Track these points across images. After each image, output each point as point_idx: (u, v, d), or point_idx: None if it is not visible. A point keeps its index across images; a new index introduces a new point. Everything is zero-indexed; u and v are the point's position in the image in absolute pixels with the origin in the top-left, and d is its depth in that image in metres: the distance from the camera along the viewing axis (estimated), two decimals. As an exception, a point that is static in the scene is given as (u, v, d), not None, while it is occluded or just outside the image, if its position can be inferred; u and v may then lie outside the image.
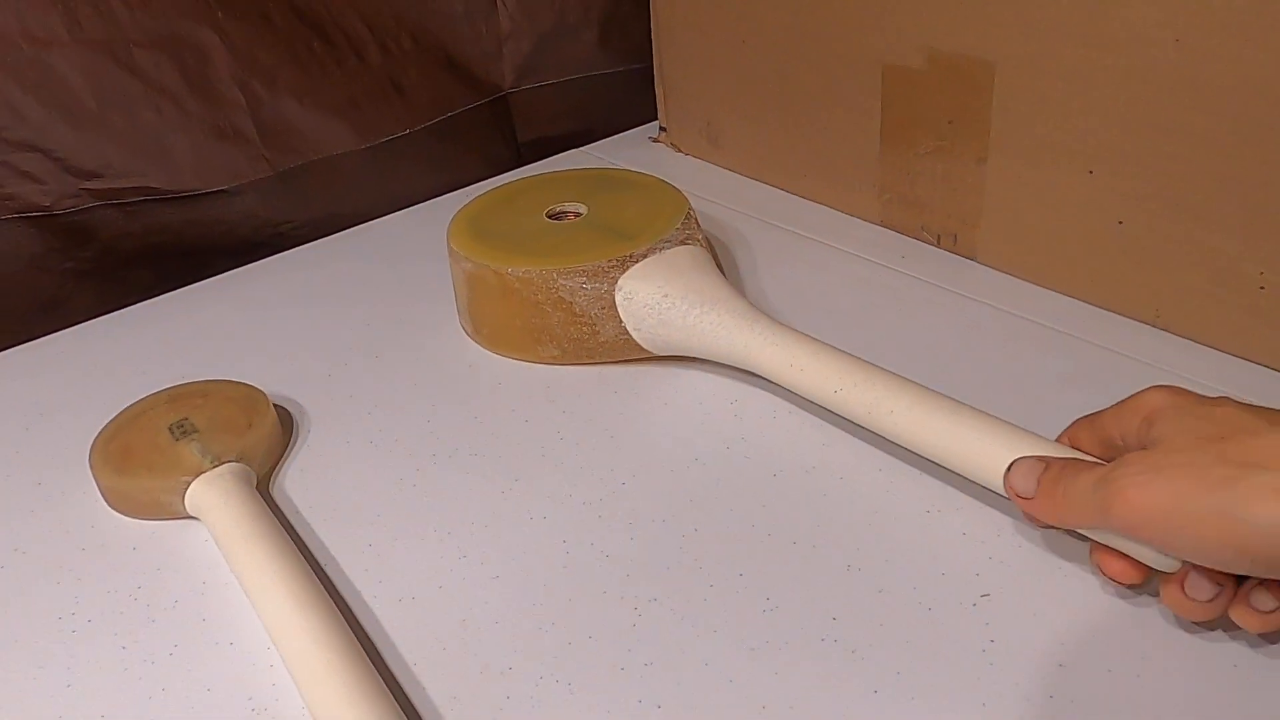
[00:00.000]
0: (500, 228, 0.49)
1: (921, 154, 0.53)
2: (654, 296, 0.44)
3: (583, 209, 0.51)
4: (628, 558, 0.37)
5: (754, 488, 0.40)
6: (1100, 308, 0.48)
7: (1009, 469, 0.33)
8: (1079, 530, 0.33)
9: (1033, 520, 0.34)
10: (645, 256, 0.45)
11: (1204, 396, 0.31)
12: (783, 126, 0.62)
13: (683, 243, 0.47)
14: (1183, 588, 0.30)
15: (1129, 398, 0.33)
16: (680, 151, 0.72)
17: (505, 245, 0.47)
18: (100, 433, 0.43)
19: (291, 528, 0.40)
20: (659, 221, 0.48)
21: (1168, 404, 0.31)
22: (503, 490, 0.41)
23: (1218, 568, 0.29)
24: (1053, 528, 0.34)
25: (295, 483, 0.42)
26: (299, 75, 0.60)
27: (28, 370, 0.52)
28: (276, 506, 0.41)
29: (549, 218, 0.51)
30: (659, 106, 0.72)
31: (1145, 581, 0.32)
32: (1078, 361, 0.45)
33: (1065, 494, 0.31)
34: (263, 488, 0.42)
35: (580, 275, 0.44)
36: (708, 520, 0.38)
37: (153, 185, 0.58)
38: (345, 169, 0.65)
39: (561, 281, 0.44)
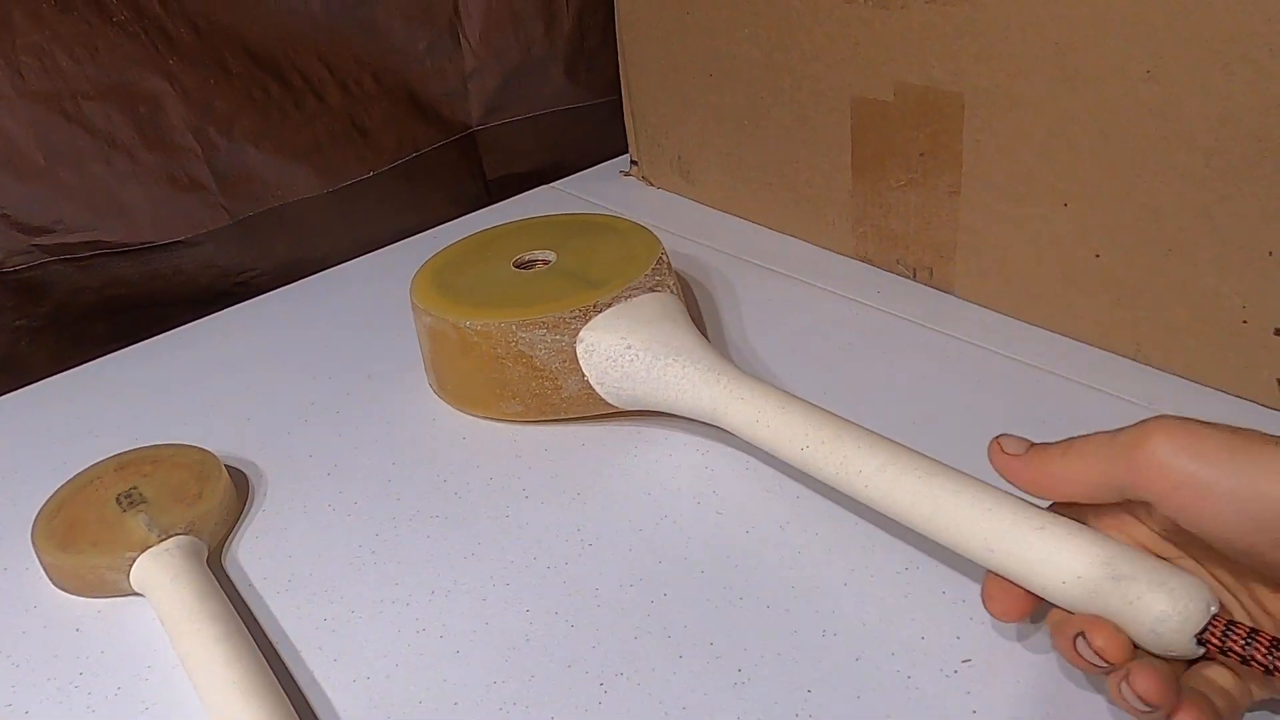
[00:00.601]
0: (464, 280, 0.48)
1: (894, 187, 0.52)
2: (616, 348, 0.42)
3: (552, 256, 0.49)
4: (594, 626, 0.35)
5: (725, 547, 0.38)
6: (1080, 342, 0.47)
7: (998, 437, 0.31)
8: (1067, 499, 0.30)
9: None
10: (610, 305, 0.43)
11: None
12: (755, 160, 0.60)
13: (651, 289, 0.45)
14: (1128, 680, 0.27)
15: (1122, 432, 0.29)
16: (652, 185, 0.71)
17: (467, 298, 0.46)
18: (45, 505, 0.41)
19: (244, 603, 0.38)
20: (629, 268, 0.46)
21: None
22: (465, 555, 0.39)
23: (1232, 540, 0.26)
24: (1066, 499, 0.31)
25: (249, 552, 0.41)
26: (256, 120, 0.59)
27: (-25, 435, 0.50)
28: (228, 579, 0.39)
29: (516, 267, 0.49)
30: (629, 140, 0.71)
31: (1033, 615, 0.31)
32: (1059, 401, 0.44)
33: (1069, 448, 0.29)
34: (214, 559, 0.40)
35: (540, 327, 0.42)
36: (678, 584, 0.37)
37: (107, 239, 0.56)
38: (308, 214, 0.63)
39: (521, 334, 0.42)
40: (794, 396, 0.38)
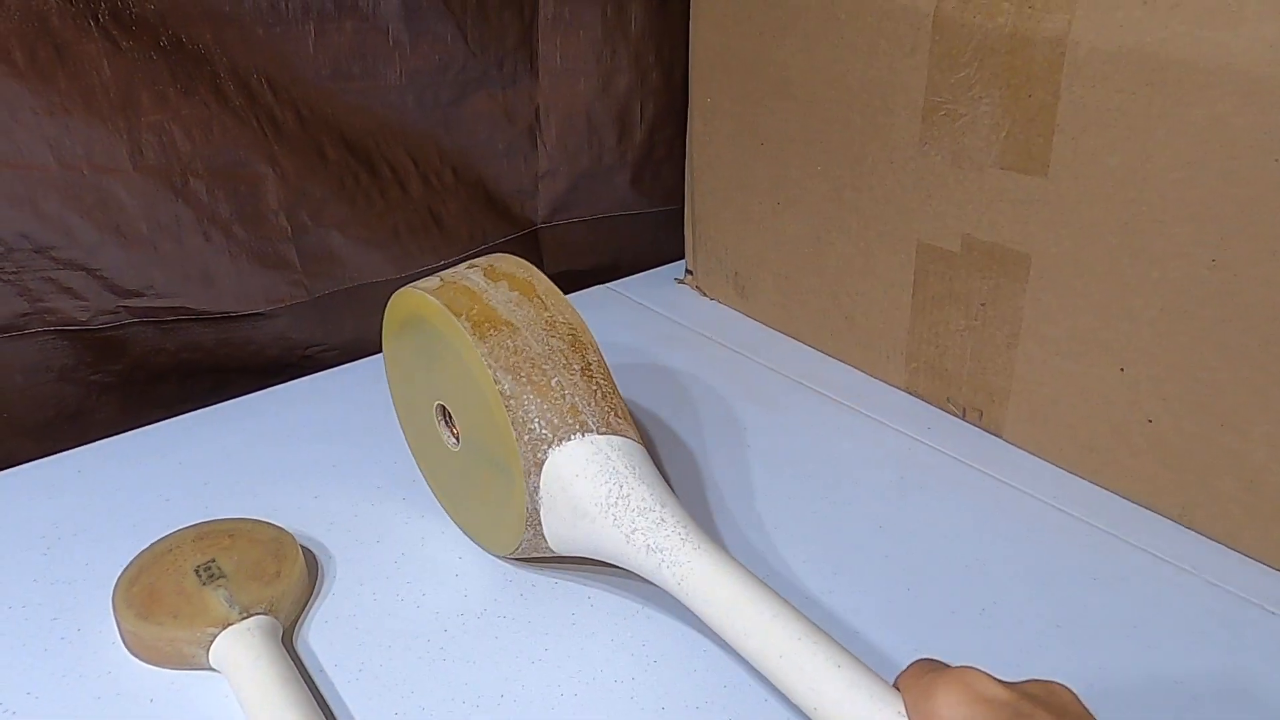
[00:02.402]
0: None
1: (952, 330, 0.55)
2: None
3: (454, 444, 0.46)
4: (660, 746, 0.36)
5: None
6: (1126, 499, 0.49)
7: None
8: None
9: None
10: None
11: None
12: (813, 287, 0.63)
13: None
14: None
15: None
16: (705, 296, 0.73)
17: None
18: (125, 571, 0.42)
19: (316, 689, 0.39)
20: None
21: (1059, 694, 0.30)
22: (533, 659, 0.40)
23: None
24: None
25: (320, 636, 0.42)
26: (344, 206, 0.62)
27: (49, 487, 0.51)
28: (300, 662, 0.40)
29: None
30: (687, 250, 0.74)
31: None
32: (1105, 558, 0.45)
33: (918, 673, 0.31)
34: (286, 639, 0.41)
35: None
36: (753, 708, 0.38)
37: (191, 306, 0.58)
38: (378, 295, 0.65)
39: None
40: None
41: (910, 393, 0.59)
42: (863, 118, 0.56)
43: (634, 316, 0.71)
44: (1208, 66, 0.40)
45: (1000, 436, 0.54)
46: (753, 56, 0.62)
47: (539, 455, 0.40)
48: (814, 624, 0.34)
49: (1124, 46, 0.43)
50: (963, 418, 0.56)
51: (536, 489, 0.40)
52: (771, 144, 0.63)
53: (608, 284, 0.76)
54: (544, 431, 0.40)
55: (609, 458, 0.40)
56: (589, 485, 0.39)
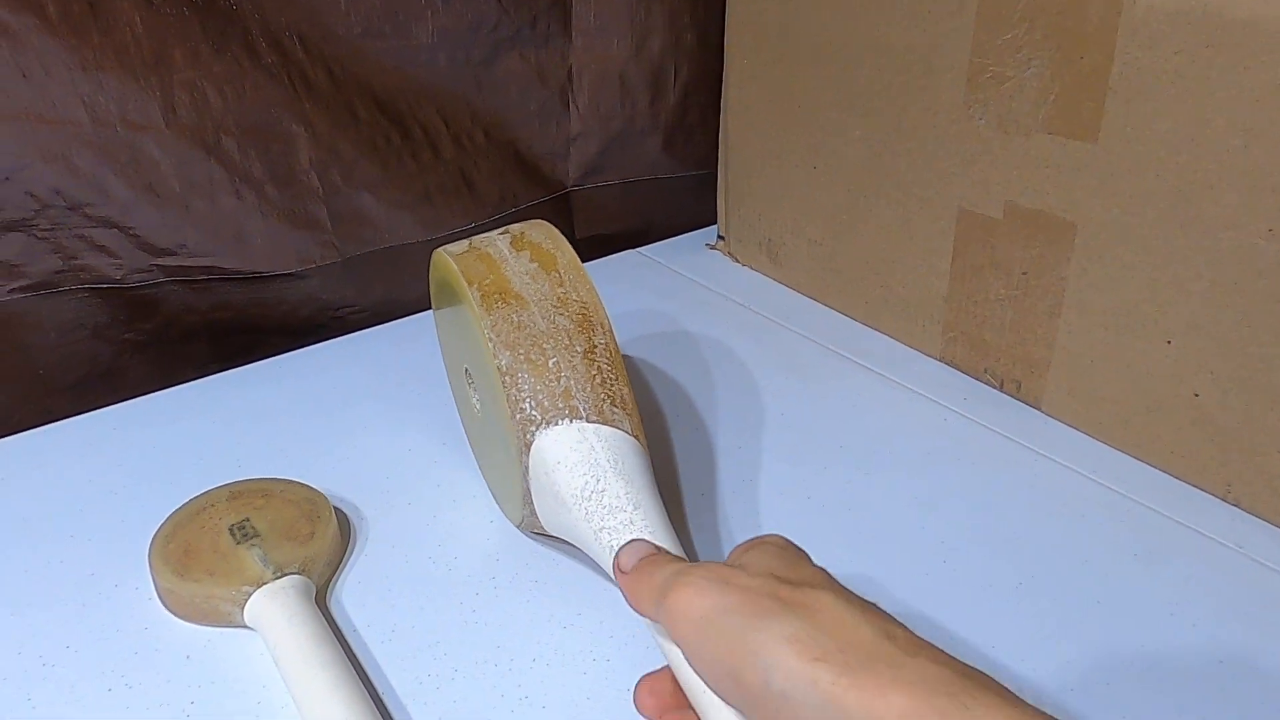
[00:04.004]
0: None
1: (992, 299, 0.54)
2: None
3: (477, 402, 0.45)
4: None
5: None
6: (1169, 474, 0.48)
7: (625, 544, 0.34)
8: (649, 617, 0.32)
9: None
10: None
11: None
12: (848, 253, 0.62)
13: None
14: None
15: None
16: (737, 261, 0.73)
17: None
18: (160, 528, 0.43)
19: (350, 649, 0.39)
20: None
21: (772, 541, 0.31)
22: (564, 625, 0.40)
23: (723, 696, 0.28)
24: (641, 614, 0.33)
25: (352, 597, 0.42)
26: (376, 167, 0.61)
27: (85, 445, 0.52)
28: (334, 622, 0.40)
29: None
30: (719, 216, 0.73)
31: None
32: (1148, 535, 0.45)
33: (649, 576, 0.32)
34: (320, 599, 0.41)
35: None
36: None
37: (223, 266, 0.58)
38: (409, 257, 0.65)
39: None
40: None
41: (946, 363, 0.58)
42: (904, 81, 0.54)
43: (664, 282, 0.70)
44: (1271, 28, 0.39)
45: (1039, 409, 0.54)
46: (790, 18, 0.60)
47: (528, 436, 0.39)
48: None
49: (1183, 6, 0.41)
50: (1000, 389, 0.55)
51: (528, 469, 0.39)
52: (808, 108, 0.61)
53: (638, 249, 0.75)
54: (534, 412, 0.39)
55: (593, 448, 0.38)
56: (568, 475, 0.38)
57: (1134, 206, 0.45)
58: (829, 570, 0.30)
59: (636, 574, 0.33)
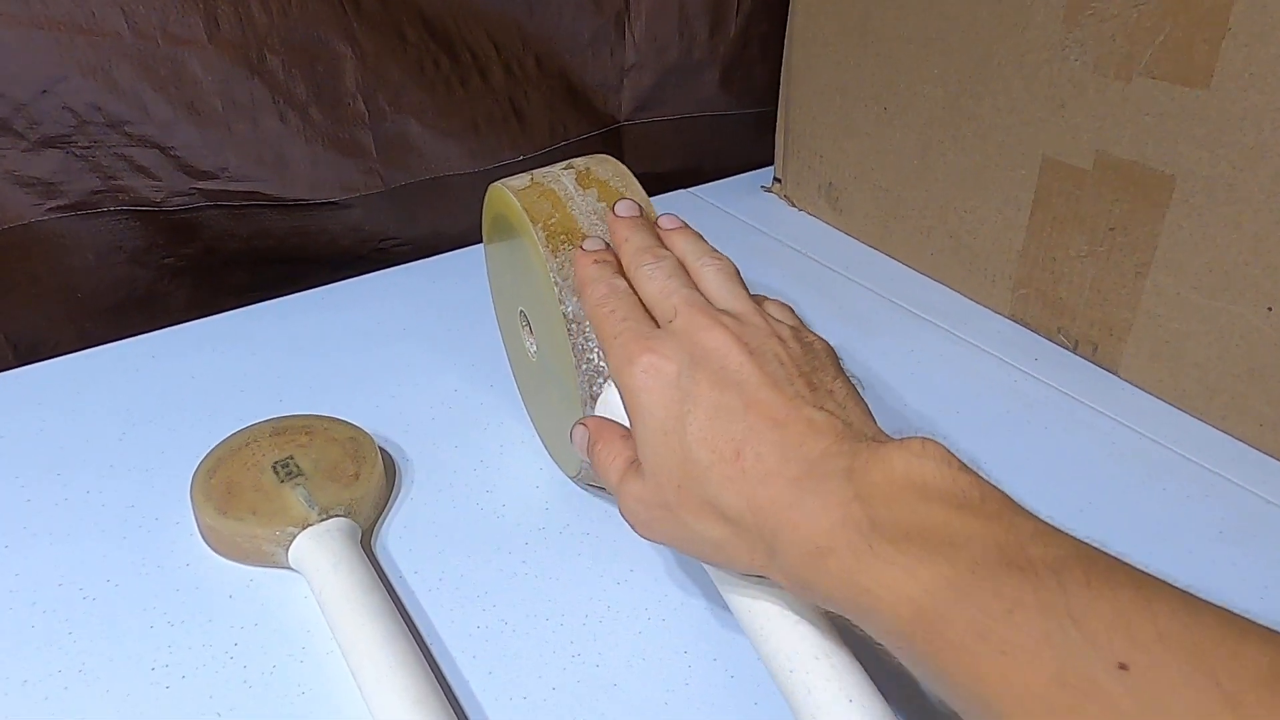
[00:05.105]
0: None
1: (1072, 256, 0.50)
2: None
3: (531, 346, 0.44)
4: (755, 680, 0.34)
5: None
6: (1259, 449, 0.45)
7: (577, 426, 0.36)
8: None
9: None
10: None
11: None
12: (916, 202, 0.59)
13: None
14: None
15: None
16: (794, 206, 0.69)
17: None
18: (202, 463, 0.41)
19: (396, 596, 0.38)
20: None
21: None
22: (618, 580, 0.39)
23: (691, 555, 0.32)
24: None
25: (399, 541, 0.40)
26: (423, 92, 0.58)
27: (123, 370, 0.50)
28: (380, 567, 0.39)
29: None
30: (777, 157, 0.70)
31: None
32: (1235, 512, 0.42)
33: (599, 465, 0.34)
34: (365, 542, 0.40)
35: None
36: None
37: (265, 192, 0.56)
38: (454, 189, 0.63)
39: None
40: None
41: (1016, 320, 0.55)
42: (993, 16, 0.50)
43: (717, 225, 0.67)
44: None
45: (1115, 373, 0.51)
46: (868, -56, 0.57)
47: (594, 388, 0.37)
48: (839, 644, 0.30)
49: (1324, -61, 0.37)
50: (1074, 351, 0.52)
51: None
52: (882, 44, 0.58)
53: (690, 189, 0.72)
54: (602, 363, 0.37)
55: None
56: None
57: (1246, 160, 0.42)
58: None
59: (593, 460, 0.35)
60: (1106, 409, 0.48)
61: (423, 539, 0.40)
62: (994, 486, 0.27)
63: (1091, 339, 0.51)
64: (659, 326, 0.33)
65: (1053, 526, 0.25)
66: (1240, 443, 0.46)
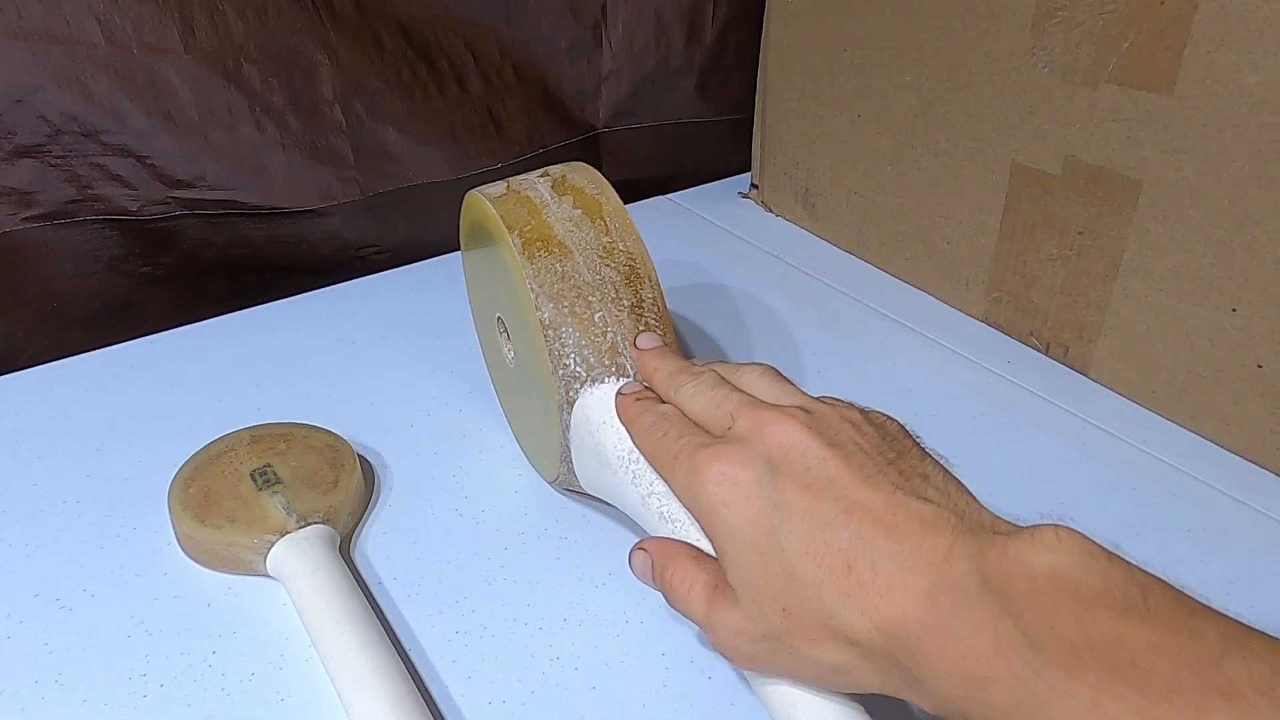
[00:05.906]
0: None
1: (1043, 259, 0.51)
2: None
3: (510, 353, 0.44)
4: (733, 683, 0.35)
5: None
6: (1226, 448, 0.46)
7: (636, 551, 0.33)
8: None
9: None
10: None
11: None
12: (890, 207, 0.60)
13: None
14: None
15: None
16: (770, 211, 0.70)
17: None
18: (180, 471, 0.41)
19: (375, 602, 0.38)
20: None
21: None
22: (596, 584, 0.39)
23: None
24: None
25: (377, 548, 0.41)
26: (401, 101, 0.59)
27: (101, 380, 0.50)
28: (358, 573, 0.39)
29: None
30: (754, 163, 0.71)
31: None
32: (1203, 511, 0.43)
33: (674, 595, 0.31)
34: (344, 549, 0.40)
35: None
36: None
37: (242, 200, 0.56)
38: (432, 196, 0.63)
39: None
40: None
41: (989, 324, 0.56)
42: (963, 25, 0.51)
43: (694, 231, 0.68)
44: (1379, -25, 0.36)
45: (1086, 375, 0.52)
46: (841, -47, 0.57)
47: (571, 393, 0.37)
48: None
49: (1280, -51, 0.38)
50: (1045, 353, 0.53)
51: (568, 426, 0.38)
52: (856, 51, 0.58)
53: (668, 195, 0.73)
54: (578, 369, 0.37)
55: None
56: (614, 435, 0.36)
57: (1209, 165, 0.43)
58: None
59: (664, 588, 0.32)
60: (1077, 410, 0.49)
61: (401, 545, 0.41)
62: (1146, 573, 0.23)
63: (1063, 341, 0.52)
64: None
65: (1234, 622, 0.22)
66: (1208, 442, 0.47)
